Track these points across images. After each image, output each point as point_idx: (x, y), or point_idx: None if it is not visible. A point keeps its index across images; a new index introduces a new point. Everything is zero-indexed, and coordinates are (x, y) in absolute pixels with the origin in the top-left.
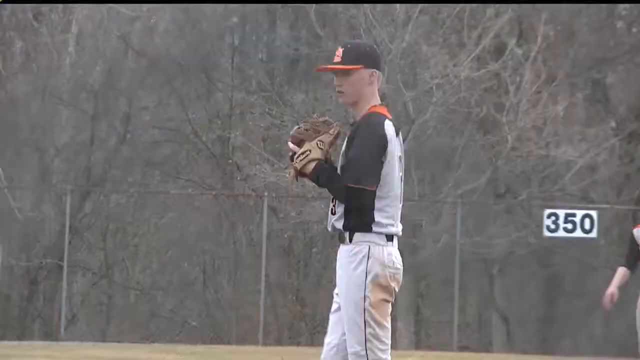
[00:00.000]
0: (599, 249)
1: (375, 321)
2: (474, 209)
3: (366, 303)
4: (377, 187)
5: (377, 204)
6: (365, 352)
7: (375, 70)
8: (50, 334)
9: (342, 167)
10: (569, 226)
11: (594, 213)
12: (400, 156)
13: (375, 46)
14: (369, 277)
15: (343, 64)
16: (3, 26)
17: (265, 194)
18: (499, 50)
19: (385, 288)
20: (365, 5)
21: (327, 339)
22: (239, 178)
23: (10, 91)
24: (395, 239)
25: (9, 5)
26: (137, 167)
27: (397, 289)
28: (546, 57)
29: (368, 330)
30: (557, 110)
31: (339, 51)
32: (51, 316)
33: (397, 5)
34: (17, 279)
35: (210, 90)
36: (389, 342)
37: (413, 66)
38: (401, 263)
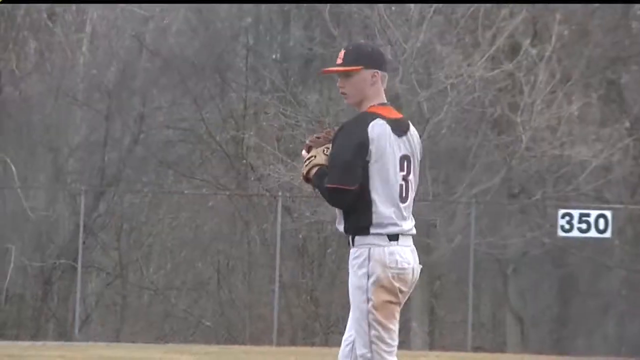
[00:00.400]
0: (613, 249)
1: (380, 323)
2: (488, 209)
3: (369, 305)
4: (357, 186)
5: (374, 205)
6: (371, 354)
7: (376, 70)
8: (64, 334)
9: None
10: (583, 226)
11: (608, 213)
12: (405, 155)
13: (378, 47)
14: (371, 280)
15: (344, 66)
16: (17, 26)
17: (279, 193)
18: (514, 50)
19: (389, 290)
20: (380, 5)
21: (345, 336)
22: (253, 178)
23: (24, 91)
24: (402, 238)
25: (23, 5)
26: (151, 167)
27: (404, 289)
28: (561, 57)
29: (372, 332)
30: (571, 110)
31: (342, 53)
32: (65, 316)
33: (412, 5)
34: (31, 279)
35: (224, 90)
36: (395, 343)
37: (427, 66)
38: (410, 261)
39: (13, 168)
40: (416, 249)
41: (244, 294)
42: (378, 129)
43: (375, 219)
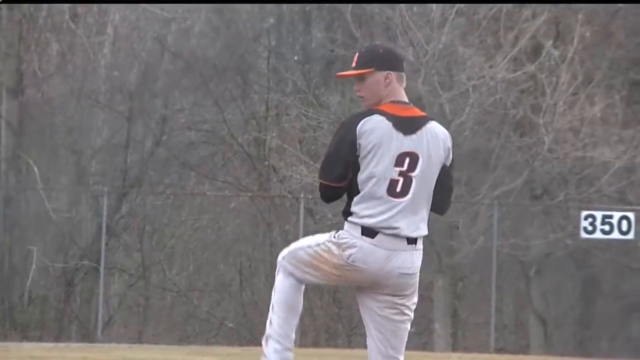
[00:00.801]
0: (636, 251)
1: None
2: (511, 211)
3: (315, 245)
4: (339, 183)
5: (358, 196)
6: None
7: (389, 72)
8: (87, 336)
9: None
10: (606, 228)
11: (631, 215)
12: (409, 152)
13: (393, 47)
14: (328, 241)
15: (357, 69)
16: (39, 27)
17: (302, 195)
18: (536, 51)
19: (333, 256)
20: (401, 6)
21: None
22: (275, 180)
23: (46, 93)
24: (383, 238)
25: (45, 6)
26: (173, 168)
27: (358, 278)
28: (583, 58)
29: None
30: (594, 111)
31: (355, 56)
32: (88, 318)
33: (433, 6)
34: (53, 280)
35: (246, 92)
36: (304, 275)
37: (449, 67)
38: (371, 264)
39: (36, 170)
40: (440, 251)
41: (266, 296)
42: (370, 124)
43: (353, 208)
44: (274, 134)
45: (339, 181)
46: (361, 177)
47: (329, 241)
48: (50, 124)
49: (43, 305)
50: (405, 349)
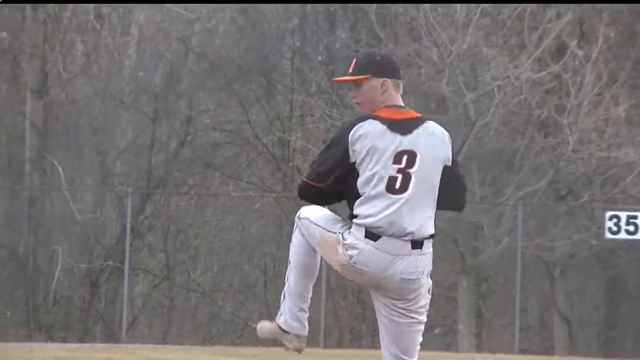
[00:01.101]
0: None
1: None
2: (536, 211)
3: (329, 230)
4: (320, 184)
5: (359, 199)
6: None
7: (386, 79)
8: (111, 336)
9: None
10: (631, 228)
11: None
12: (407, 150)
13: (390, 55)
14: (338, 233)
15: (354, 75)
16: (64, 28)
17: None
18: (560, 51)
19: (337, 253)
20: (426, 6)
21: None
22: (299, 180)
23: (71, 93)
24: (386, 241)
25: (70, 6)
26: (197, 169)
27: (361, 280)
28: (607, 58)
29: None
30: (618, 111)
31: (353, 62)
32: (112, 318)
33: (458, 6)
34: (78, 281)
35: (270, 92)
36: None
37: (473, 68)
38: (371, 267)
39: (60, 170)
40: (464, 251)
41: None
42: (364, 129)
43: (356, 210)
44: (298, 135)
45: (318, 181)
46: (360, 180)
47: (336, 237)
48: (75, 125)
49: (68, 305)
50: (429, 350)
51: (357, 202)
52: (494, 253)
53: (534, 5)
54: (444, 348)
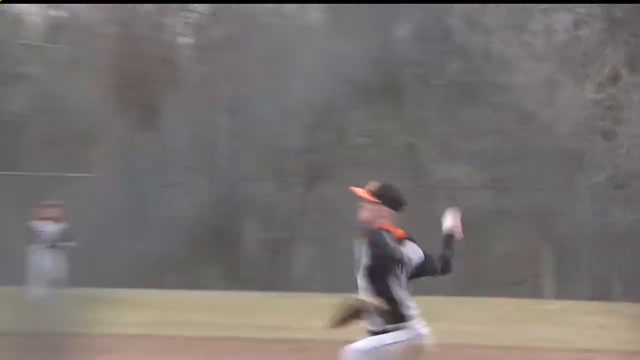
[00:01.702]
0: None
1: None
2: (599, 197)
3: None
4: None
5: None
6: None
7: (391, 210)
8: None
9: None
10: None
11: None
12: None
13: (401, 193)
14: None
15: (370, 195)
16: None
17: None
18: (615, 77)
19: None
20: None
21: None
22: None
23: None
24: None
25: None
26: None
27: None
28: None
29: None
30: None
31: (372, 185)
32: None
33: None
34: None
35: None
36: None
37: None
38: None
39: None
40: (545, 225)
41: None
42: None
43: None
44: None
45: None
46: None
47: None
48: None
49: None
50: (513, 297)
51: None
52: (572, 224)
53: (596, 42)
54: (529, 296)
